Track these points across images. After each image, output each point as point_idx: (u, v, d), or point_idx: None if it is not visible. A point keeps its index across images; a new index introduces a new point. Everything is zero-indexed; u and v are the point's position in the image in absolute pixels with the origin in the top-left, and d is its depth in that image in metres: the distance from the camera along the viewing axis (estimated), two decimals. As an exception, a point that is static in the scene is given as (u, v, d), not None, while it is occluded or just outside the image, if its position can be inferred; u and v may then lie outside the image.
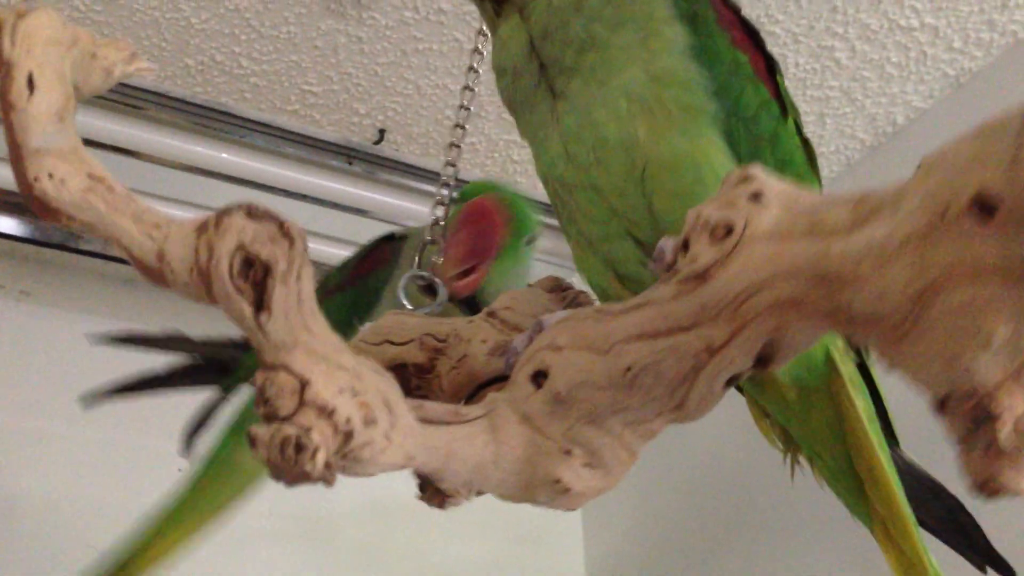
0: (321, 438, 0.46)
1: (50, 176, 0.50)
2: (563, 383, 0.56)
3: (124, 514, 1.37)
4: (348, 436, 0.48)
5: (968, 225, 0.39)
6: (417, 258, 0.86)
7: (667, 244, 0.54)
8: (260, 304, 0.46)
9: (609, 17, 0.63)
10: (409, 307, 0.85)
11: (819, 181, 0.70)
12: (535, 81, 0.66)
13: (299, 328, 0.48)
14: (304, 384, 0.47)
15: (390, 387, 0.53)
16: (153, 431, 1.47)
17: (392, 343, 0.78)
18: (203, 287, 0.48)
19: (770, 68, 0.67)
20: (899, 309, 0.42)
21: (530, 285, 0.80)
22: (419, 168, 1.58)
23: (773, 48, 1.27)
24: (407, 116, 1.46)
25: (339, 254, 1.50)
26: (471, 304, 0.89)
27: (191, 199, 1.45)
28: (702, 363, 0.52)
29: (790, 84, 1.35)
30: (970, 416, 0.42)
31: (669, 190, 0.61)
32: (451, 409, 0.57)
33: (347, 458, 0.49)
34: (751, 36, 0.67)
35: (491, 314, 0.74)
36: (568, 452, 0.57)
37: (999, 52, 1.32)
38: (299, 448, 0.45)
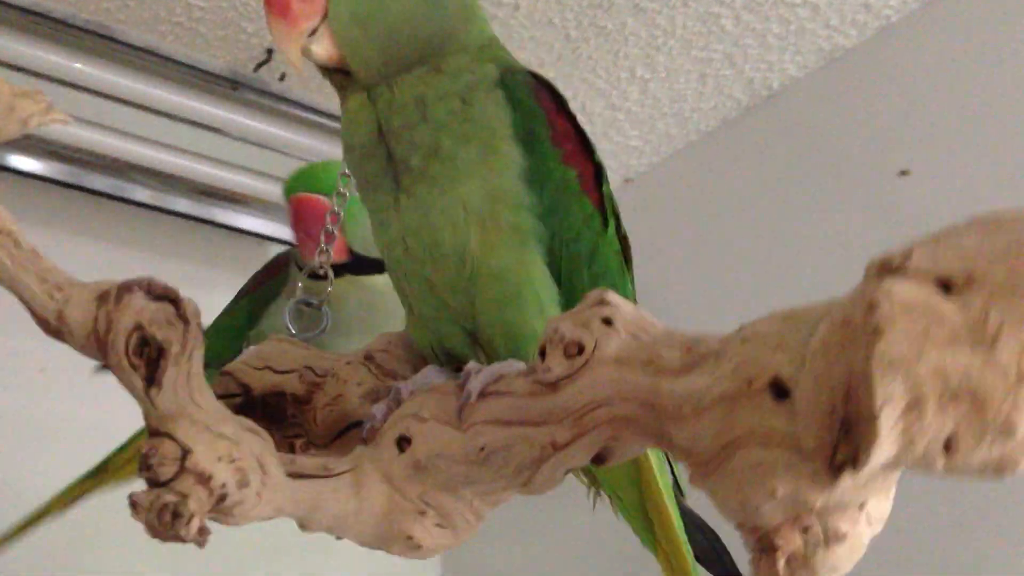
0: (197, 505, 0.51)
1: (-43, 228, 0.53)
2: (424, 452, 0.63)
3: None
4: (222, 498, 0.53)
5: (765, 401, 0.46)
6: (300, 284, 0.90)
7: (471, 369, 0.64)
8: (151, 380, 0.51)
9: (455, 129, 0.68)
10: (293, 331, 0.90)
11: (631, 279, 0.77)
12: (382, 167, 0.70)
13: (186, 401, 0.53)
14: (186, 452, 0.52)
15: (265, 447, 0.58)
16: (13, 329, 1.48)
17: (273, 370, 0.83)
18: (99, 352, 0.53)
19: (597, 176, 0.74)
20: (708, 452, 0.49)
21: (404, 330, 0.86)
22: (302, 104, 1.57)
23: (663, 11, 1.38)
24: None
25: (226, 177, 1.52)
26: (359, 263, 0.96)
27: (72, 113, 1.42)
28: (547, 454, 0.59)
29: (676, 44, 1.48)
30: (758, 544, 0.50)
31: (492, 297, 0.68)
32: (320, 463, 0.63)
33: (220, 514, 0.55)
34: (582, 145, 0.73)
35: (368, 357, 0.79)
36: (422, 513, 0.64)
37: (872, 33, 1.46)
38: (176, 515, 0.50)
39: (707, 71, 1.56)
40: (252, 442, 0.57)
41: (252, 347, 0.86)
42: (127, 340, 0.51)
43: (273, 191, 1.49)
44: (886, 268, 0.39)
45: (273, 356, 0.84)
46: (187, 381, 0.52)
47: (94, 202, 1.52)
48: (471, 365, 0.64)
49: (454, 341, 0.72)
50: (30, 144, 1.40)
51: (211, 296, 1.64)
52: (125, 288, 0.53)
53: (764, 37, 1.49)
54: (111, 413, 1.51)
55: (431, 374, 0.71)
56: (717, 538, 0.79)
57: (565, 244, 0.69)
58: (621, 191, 1.85)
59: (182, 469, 0.52)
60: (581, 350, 0.56)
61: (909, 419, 0.35)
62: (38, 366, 1.49)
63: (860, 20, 1.45)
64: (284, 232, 1.57)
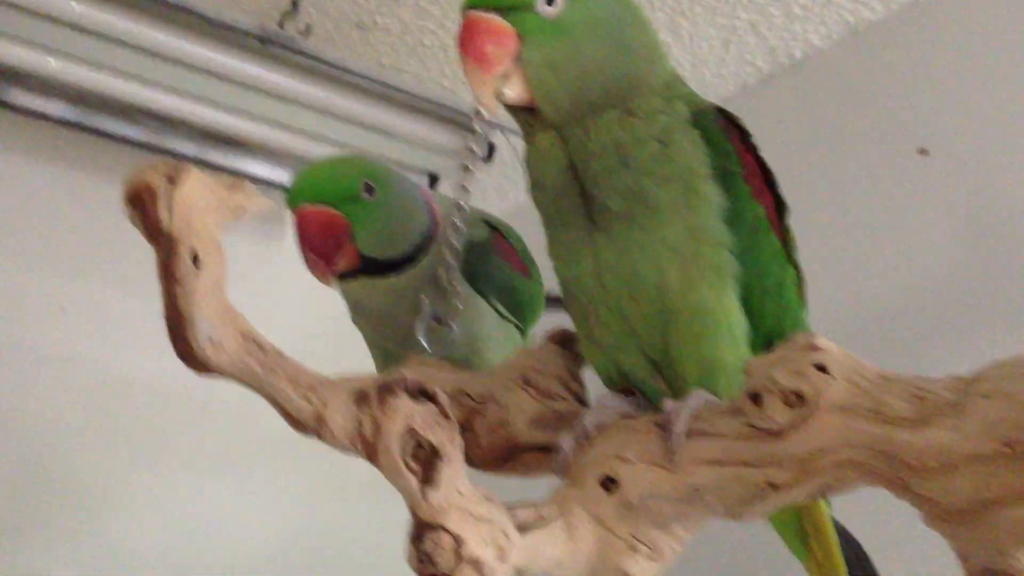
0: (474, 589, 0.54)
1: (211, 341, 0.54)
2: (634, 494, 0.66)
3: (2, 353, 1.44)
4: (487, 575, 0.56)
5: (1029, 463, 0.50)
6: (425, 299, 0.90)
7: (670, 409, 0.66)
8: (427, 479, 0.53)
9: (656, 173, 0.69)
10: (428, 349, 0.91)
11: (806, 305, 0.79)
12: (575, 205, 0.72)
13: (454, 493, 0.55)
14: (459, 542, 0.54)
15: (504, 516, 0.60)
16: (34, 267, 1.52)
17: (427, 397, 0.84)
18: (366, 453, 0.54)
19: (779, 209, 0.76)
20: (960, 505, 0.53)
21: (544, 341, 0.88)
22: (328, 62, 1.55)
23: None
24: None
25: (258, 131, 1.52)
26: (371, 265, 0.91)
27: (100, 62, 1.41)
28: (765, 494, 0.62)
29: (701, 10, 1.47)
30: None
31: (689, 330, 0.70)
32: (534, 512, 0.65)
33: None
34: (766, 179, 0.75)
35: (526, 381, 0.81)
36: (634, 549, 0.67)
37: (897, 8, 1.47)
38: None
39: (731, 38, 1.55)
40: (498, 515, 0.59)
41: (397, 372, 0.87)
42: (402, 445, 0.52)
43: (288, 141, 1.52)
44: None
45: (423, 380, 0.85)
46: (455, 476, 0.54)
47: (118, 148, 1.53)
48: (670, 405, 0.67)
49: (635, 368, 0.74)
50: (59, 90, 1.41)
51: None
52: (387, 390, 0.54)
53: (790, 7, 1.48)
54: (130, 351, 1.56)
55: (611, 402, 0.73)
56: (859, 545, 0.82)
57: (756, 279, 0.71)
58: None
59: (459, 558, 0.54)
60: (801, 398, 0.59)
61: None
62: (59, 305, 1.49)
63: None
64: (287, 178, 1.59)
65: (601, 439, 0.69)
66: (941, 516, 0.54)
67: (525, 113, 0.73)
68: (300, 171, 0.92)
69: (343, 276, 0.91)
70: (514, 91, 0.69)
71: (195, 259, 0.53)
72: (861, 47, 1.51)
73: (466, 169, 0.92)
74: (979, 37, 1.37)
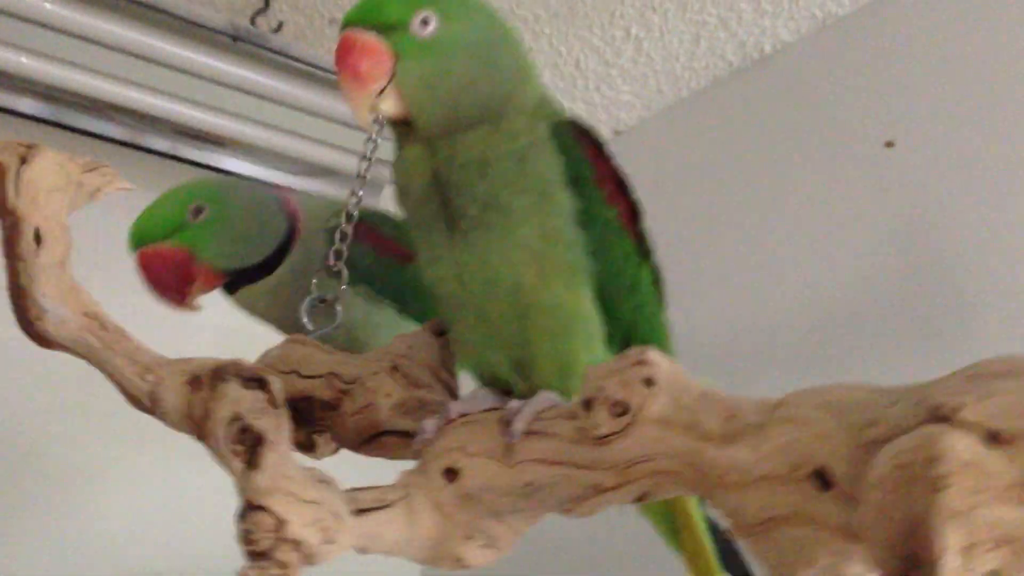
0: (293, 569, 0.57)
1: (50, 315, 0.56)
2: (472, 485, 0.69)
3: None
4: (312, 555, 0.59)
5: (810, 488, 0.53)
6: (314, 281, 0.93)
7: (513, 408, 0.70)
8: (251, 462, 0.55)
9: (512, 184, 0.73)
10: (310, 327, 0.93)
11: (663, 304, 0.83)
12: (436, 212, 0.75)
13: (279, 476, 0.57)
14: (281, 523, 0.57)
15: (337, 497, 0.63)
16: None
17: (299, 375, 0.87)
18: (196, 434, 0.57)
19: (634, 214, 0.80)
20: (752, 520, 0.56)
21: (421, 329, 0.90)
22: (301, 59, 1.57)
23: None
24: None
25: (231, 127, 1.52)
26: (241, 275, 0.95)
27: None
28: (591, 494, 0.65)
29: (672, 6, 1.51)
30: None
31: (545, 328, 0.74)
32: (376, 495, 0.68)
33: (306, 566, 0.60)
34: (620, 185, 0.79)
35: (394, 367, 0.84)
36: (470, 537, 0.70)
37: (865, 4, 1.52)
38: (278, 580, 0.56)
39: (701, 32, 1.58)
40: (330, 498, 0.62)
41: (275, 349, 0.89)
42: (227, 429, 0.54)
43: (261, 136, 1.53)
44: (937, 415, 0.45)
45: (299, 360, 0.88)
46: (280, 458, 0.56)
47: (93, 144, 1.51)
48: (512, 404, 0.70)
49: (499, 367, 0.77)
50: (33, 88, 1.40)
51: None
52: (218, 376, 0.56)
53: (759, 3, 1.51)
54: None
55: (481, 395, 0.76)
56: (732, 538, 0.87)
57: (610, 278, 0.75)
58: (611, 144, 1.90)
59: (279, 539, 0.57)
60: (626, 409, 0.62)
61: (964, 558, 0.42)
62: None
63: None
64: (268, 175, 1.62)
65: (450, 431, 0.72)
66: (740, 529, 0.58)
67: (400, 124, 0.75)
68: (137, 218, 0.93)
69: (228, 291, 0.95)
70: (390, 106, 0.73)
71: (37, 238, 0.55)
72: (829, 41, 1.56)
73: (359, 176, 0.95)
74: (945, 32, 1.41)
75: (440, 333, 0.91)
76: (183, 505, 1.59)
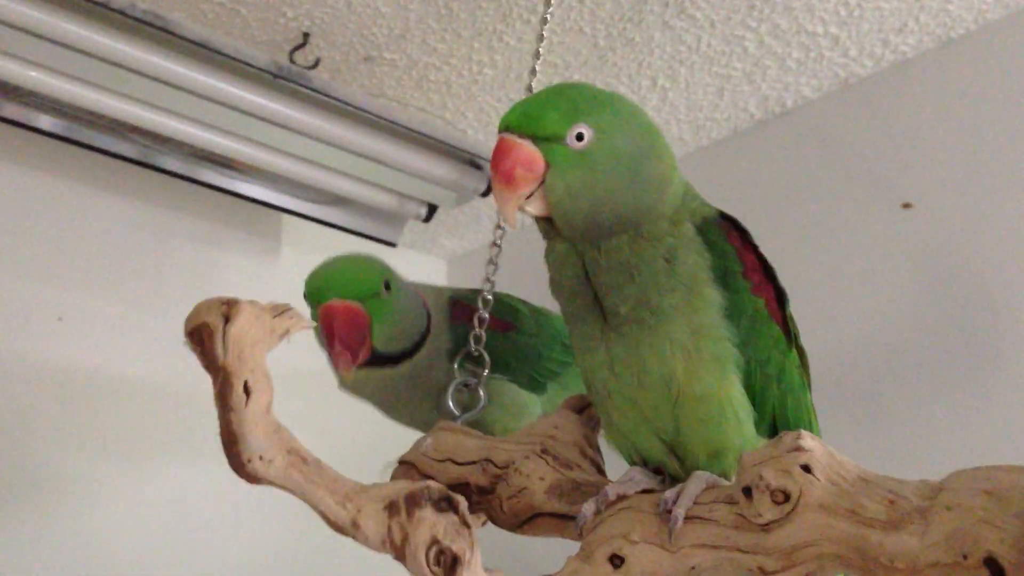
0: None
1: (260, 459, 0.61)
2: (638, 571, 0.73)
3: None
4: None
5: (981, 574, 0.56)
6: (456, 366, 0.98)
7: (670, 496, 0.73)
8: (449, 580, 0.60)
9: (663, 284, 0.76)
10: (457, 412, 0.99)
11: (808, 387, 0.87)
12: (589, 305, 0.80)
13: (471, 589, 0.62)
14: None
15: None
16: (34, 277, 1.57)
17: (454, 462, 0.92)
18: (396, 555, 0.62)
19: (780, 300, 0.83)
20: (922, 604, 0.59)
21: (562, 408, 0.95)
22: (339, 99, 1.58)
23: (690, 30, 1.49)
24: (333, 26, 1.51)
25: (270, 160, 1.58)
26: (376, 358, 0.99)
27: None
28: (755, 575, 0.69)
29: (699, 60, 1.53)
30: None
31: (696, 416, 0.78)
32: (552, 587, 0.73)
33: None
34: (766, 272, 0.82)
35: (544, 451, 0.88)
36: (639, 619, 0.74)
37: (888, 66, 1.52)
38: None
39: (725, 86, 1.61)
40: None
41: (427, 438, 0.95)
42: (426, 553, 0.60)
43: (280, 163, 1.58)
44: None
45: (451, 448, 0.93)
46: (471, 573, 0.61)
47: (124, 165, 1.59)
48: (668, 493, 0.74)
49: (651, 450, 0.81)
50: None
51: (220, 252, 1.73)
52: (413, 501, 0.61)
53: (784, 60, 1.53)
54: (126, 361, 1.64)
55: (636, 476, 0.80)
56: None
57: (758, 366, 0.78)
58: None
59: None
60: (787, 497, 0.66)
61: None
62: (55, 314, 1.55)
63: (877, 53, 1.50)
64: (285, 201, 1.67)
65: (610, 518, 0.77)
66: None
67: (546, 222, 0.79)
68: (321, 266, 0.98)
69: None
70: (535, 208, 0.77)
71: (247, 389, 0.61)
72: (850, 100, 1.57)
73: (490, 263, 1.00)
74: (965, 97, 1.41)
75: (580, 409, 0.96)
76: (182, 514, 1.64)
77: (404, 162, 1.60)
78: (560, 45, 1.52)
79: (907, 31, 1.45)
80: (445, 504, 0.61)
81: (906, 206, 1.41)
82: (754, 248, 0.82)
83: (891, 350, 1.39)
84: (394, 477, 0.97)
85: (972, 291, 1.33)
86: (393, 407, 1.04)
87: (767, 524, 0.66)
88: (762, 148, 1.68)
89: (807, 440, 0.67)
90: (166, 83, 1.43)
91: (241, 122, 1.51)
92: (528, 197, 0.76)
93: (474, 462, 0.91)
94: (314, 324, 0.70)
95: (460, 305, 1.02)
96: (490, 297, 1.00)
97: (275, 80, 1.48)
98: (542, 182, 0.76)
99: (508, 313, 1.04)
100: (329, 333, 0.92)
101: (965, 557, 0.57)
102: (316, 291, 0.94)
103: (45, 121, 1.47)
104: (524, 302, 1.08)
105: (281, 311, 0.66)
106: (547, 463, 0.88)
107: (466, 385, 0.99)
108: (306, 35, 1.54)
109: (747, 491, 0.68)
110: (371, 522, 0.61)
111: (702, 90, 1.62)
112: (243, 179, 1.64)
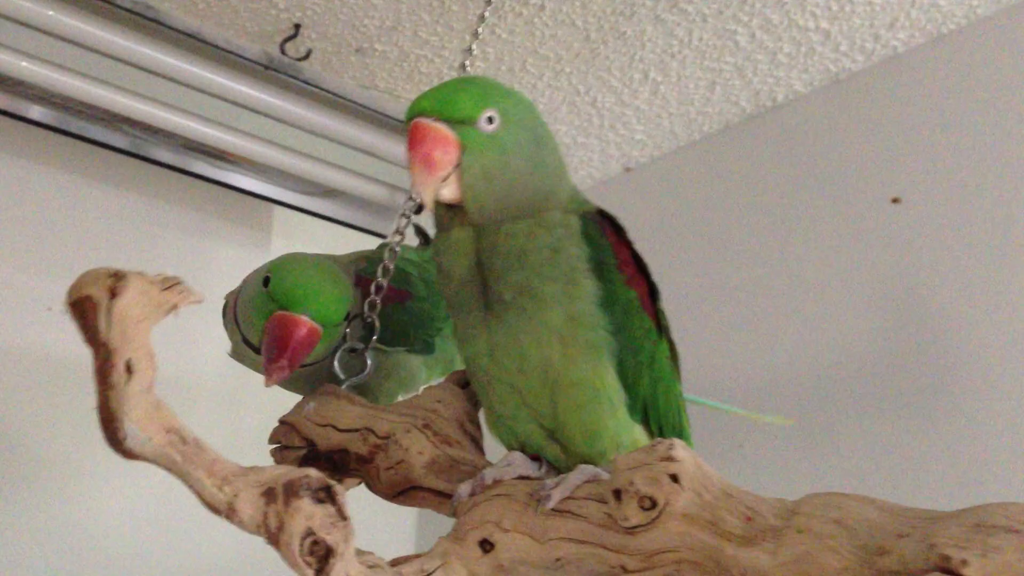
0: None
1: (136, 436, 0.61)
2: (506, 558, 0.75)
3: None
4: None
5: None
6: (347, 328, 0.97)
7: (549, 485, 0.76)
8: (320, 571, 0.62)
9: (545, 272, 0.79)
10: (342, 376, 0.98)
11: (678, 377, 0.91)
12: (474, 294, 0.82)
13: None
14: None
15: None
16: (25, 267, 1.56)
17: (336, 428, 0.92)
18: (270, 542, 0.63)
19: (652, 294, 0.86)
20: (766, 617, 0.63)
21: (446, 381, 0.96)
22: (330, 91, 1.62)
23: (681, 24, 1.51)
24: (325, 17, 1.49)
25: (237, 143, 1.56)
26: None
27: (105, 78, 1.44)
28: (617, 573, 0.72)
29: (691, 54, 1.54)
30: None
31: (572, 401, 0.81)
32: (417, 568, 0.75)
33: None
34: (639, 267, 0.85)
35: (426, 425, 0.90)
36: (502, 605, 0.77)
37: (879, 60, 1.54)
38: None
39: (717, 80, 1.61)
40: (383, 581, 0.68)
41: (311, 401, 0.95)
42: (300, 543, 0.60)
43: (271, 155, 1.57)
44: (945, 568, 0.51)
45: (333, 414, 0.93)
46: (345, 564, 0.62)
47: (116, 158, 1.59)
48: (547, 483, 0.76)
49: (531, 435, 0.83)
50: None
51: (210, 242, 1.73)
52: (291, 490, 0.62)
53: (775, 55, 1.54)
54: None
55: (515, 461, 0.82)
56: None
57: (630, 354, 0.81)
58: (621, 179, 1.89)
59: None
60: (654, 504, 0.69)
61: None
62: (45, 304, 1.53)
63: (868, 48, 1.51)
64: (276, 192, 1.67)
65: (484, 503, 0.79)
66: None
67: (447, 209, 0.80)
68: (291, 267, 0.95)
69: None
70: (450, 192, 0.78)
71: (129, 368, 0.60)
72: (841, 94, 1.58)
73: (397, 232, 0.99)
74: (955, 92, 1.43)
75: (464, 384, 0.97)
76: (174, 503, 1.62)
77: (395, 154, 1.61)
78: (552, 38, 1.51)
79: (898, 26, 1.46)
80: (324, 494, 0.61)
81: (895, 201, 1.43)
82: (628, 244, 0.85)
83: (880, 343, 1.41)
84: (273, 437, 0.98)
85: (951, 289, 1.35)
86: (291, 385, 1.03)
87: (633, 528, 0.69)
88: (753, 142, 1.69)
89: (679, 450, 0.70)
90: (157, 74, 1.43)
91: (232, 113, 1.52)
92: (443, 181, 0.77)
93: (355, 430, 0.92)
94: (203, 298, 0.68)
95: (364, 281, 1.01)
96: (391, 266, 0.99)
97: (266, 71, 1.49)
98: (456, 167, 0.77)
99: (403, 281, 1.04)
100: (279, 345, 0.89)
101: (806, 580, 0.61)
102: (285, 295, 0.91)
103: (36, 111, 1.46)
104: (412, 263, 1.07)
105: (170, 284, 0.65)
106: (427, 438, 0.89)
107: (353, 350, 0.99)
108: (297, 26, 1.53)
109: (617, 493, 0.70)
110: (247, 507, 0.61)
111: (693, 84, 1.62)
112: (234, 170, 1.63)
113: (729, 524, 0.66)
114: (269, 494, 0.62)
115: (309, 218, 1.75)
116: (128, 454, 0.62)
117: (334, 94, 1.54)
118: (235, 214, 1.77)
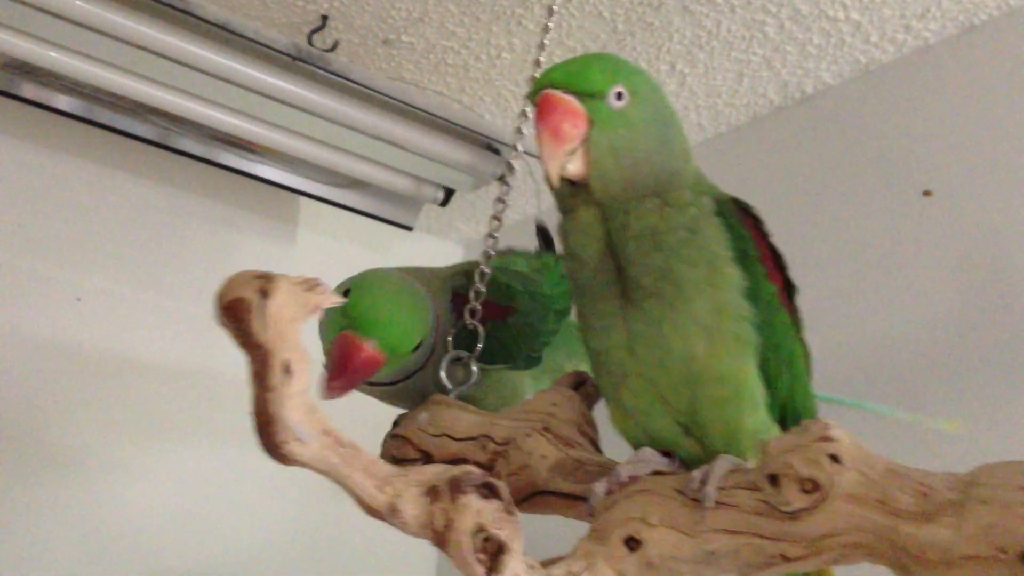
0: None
1: (296, 440, 0.59)
2: (656, 554, 0.73)
3: (19, 342, 1.51)
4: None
5: (1020, 569, 0.57)
6: (451, 339, 0.96)
7: (698, 475, 0.73)
8: (493, 568, 0.59)
9: (684, 255, 0.76)
10: (449, 386, 0.96)
11: (811, 378, 0.87)
12: (609, 280, 0.79)
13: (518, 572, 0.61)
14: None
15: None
16: (53, 257, 1.58)
17: (451, 438, 0.90)
18: (437, 542, 0.61)
19: (789, 290, 0.84)
20: (955, 597, 0.60)
21: (558, 384, 0.94)
22: (357, 82, 1.59)
23: (710, 15, 1.49)
24: (352, 8, 1.50)
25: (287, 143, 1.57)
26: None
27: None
28: (776, 563, 0.69)
29: (719, 45, 1.53)
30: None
31: (714, 396, 0.78)
32: (565, 569, 0.72)
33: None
34: (778, 263, 0.83)
35: (546, 427, 0.87)
36: (653, 602, 0.74)
37: (909, 52, 1.52)
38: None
39: (745, 71, 1.60)
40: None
41: (422, 412, 0.93)
42: (472, 541, 0.58)
43: (298, 146, 1.58)
44: None
45: (448, 423, 0.91)
46: (516, 561, 0.60)
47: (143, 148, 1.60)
48: (694, 473, 0.74)
49: (665, 432, 0.81)
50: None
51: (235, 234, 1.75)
52: (456, 487, 0.60)
53: (804, 46, 1.53)
54: (145, 341, 1.65)
55: (648, 456, 0.80)
56: None
57: (771, 350, 0.79)
58: None
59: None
60: (816, 486, 0.66)
61: None
62: (74, 294, 1.56)
63: (899, 39, 1.50)
64: (302, 183, 1.68)
65: (626, 501, 0.76)
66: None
67: (570, 188, 0.79)
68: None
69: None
70: (576, 168, 0.77)
71: (287, 368, 0.58)
72: (871, 86, 1.57)
73: (490, 236, 0.97)
74: (987, 84, 1.41)
75: (576, 387, 0.95)
76: (199, 494, 1.66)
77: (421, 146, 1.60)
78: (579, 29, 1.51)
79: (929, 16, 1.45)
80: (487, 490, 0.59)
81: (926, 194, 1.41)
82: (767, 236, 0.83)
83: (916, 340, 1.38)
84: (386, 452, 0.95)
85: (997, 281, 1.32)
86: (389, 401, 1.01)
87: (795, 512, 0.67)
88: (781, 134, 1.67)
89: (835, 430, 0.67)
90: (185, 65, 1.43)
91: (259, 104, 1.52)
92: (570, 156, 0.76)
93: (472, 438, 0.90)
94: (343, 300, 0.67)
95: (462, 299, 0.99)
96: (487, 270, 0.98)
97: (294, 63, 1.48)
98: (584, 142, 0.76)
99: (505, 296, 1.01)
100: (338, 365, 0.88)
101: (1003, 551, 0.58)
102: (357, 316, 0.89)
103: (64, 102, 1.47)
104: (518, 275, 1.05)
105: (312, 285, 0.63)
106: (548, 441, 0.87)
107: (459, 359, 0.97)
108: (325, 18, 1.54)
109: (773, 478, 0.68)
110: (411, 507, 0.60)
111: (721, 76, 1.61)
112: (261, 161, 1.64)
113: (901, 502, 0.64)
114: (432, 492, 0.60)
115: (335, 209, 1.75)
116: (285, 459, 0.60)
117: (361, 85, 1.53)
118: (261, 205, 1.80)
